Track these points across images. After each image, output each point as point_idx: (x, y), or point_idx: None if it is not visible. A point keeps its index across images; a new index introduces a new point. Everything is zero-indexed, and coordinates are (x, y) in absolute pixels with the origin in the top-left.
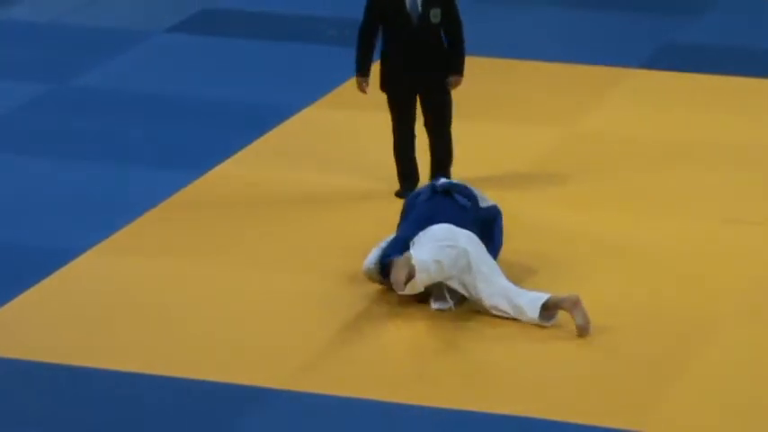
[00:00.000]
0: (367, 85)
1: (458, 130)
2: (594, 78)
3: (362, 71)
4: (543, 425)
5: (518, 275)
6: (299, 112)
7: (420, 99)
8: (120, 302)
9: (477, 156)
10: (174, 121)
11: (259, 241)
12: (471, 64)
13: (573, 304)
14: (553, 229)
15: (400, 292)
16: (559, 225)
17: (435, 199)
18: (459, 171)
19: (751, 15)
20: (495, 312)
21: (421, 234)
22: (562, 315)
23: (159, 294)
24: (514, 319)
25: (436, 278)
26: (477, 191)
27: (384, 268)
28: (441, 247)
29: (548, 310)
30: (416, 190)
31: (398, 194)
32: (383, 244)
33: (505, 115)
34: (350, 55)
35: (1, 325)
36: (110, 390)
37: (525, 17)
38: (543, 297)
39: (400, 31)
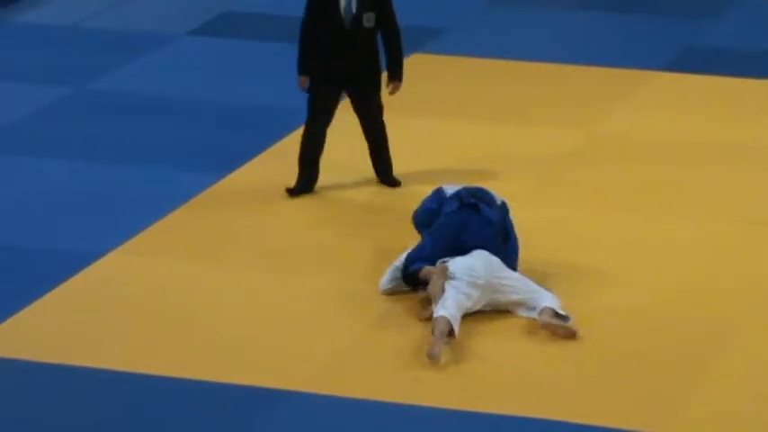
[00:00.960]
0: (308, 82)
1: (478, 131)
2: (617, 81)
3: (302, 71)
4: (560, 427)
5: (538, 276)
6: None
7: (351, 103)
8: (140, 305)
9: (501, 158)
10: (195, 124)
11: (279, 243)
12: (494, 67)
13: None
14: (574, 230)
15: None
16: (580, 227)
17: (462, 213)
18: (485, 173)
19: None
20: (513, 297)
21: (459, 262)
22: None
23: (179, 297)
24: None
25: (470, 309)
26: (490, 191)
27: (412, 276)
28: (474, 285)
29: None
30: (437, 195)
31: (291, 192)
32: (398, 263)
33: (528, 118)
34: None
35: (23, 328)
36: (130, 392)
37: (547, 20)
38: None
39: (332, 32)
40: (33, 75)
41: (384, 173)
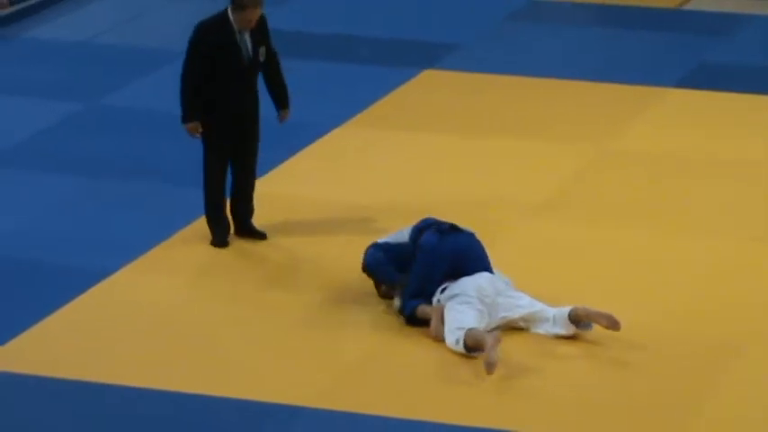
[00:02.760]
0: (200, 127)
1: (491, 147)
2: (629, 97)
3: (194, 117)
4: None
5: (546, 290)
6: (332, 131)
7: (232, 147)
8: (152, 321)
9: (509, 174)
10: None
11: (290, 259)
12: (505, 83)
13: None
14: (585, 246)
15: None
16: (592, 242)
17: (450, 237)
18: (492, 188)
19: None
20: (520, 312)
21: (467, 282)
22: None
23: (188, 314)
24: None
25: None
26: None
27: (412, 318)
28: (484, 303)
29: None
30: (407, 234)
31: (215, 243)
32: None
33: (540, 133)
34: (384, 74)
35: (33, 343)
36: (140, 407)
37: (559, 36)
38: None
39: (230, 73)
40: (44, 90)
41: (249, 223)
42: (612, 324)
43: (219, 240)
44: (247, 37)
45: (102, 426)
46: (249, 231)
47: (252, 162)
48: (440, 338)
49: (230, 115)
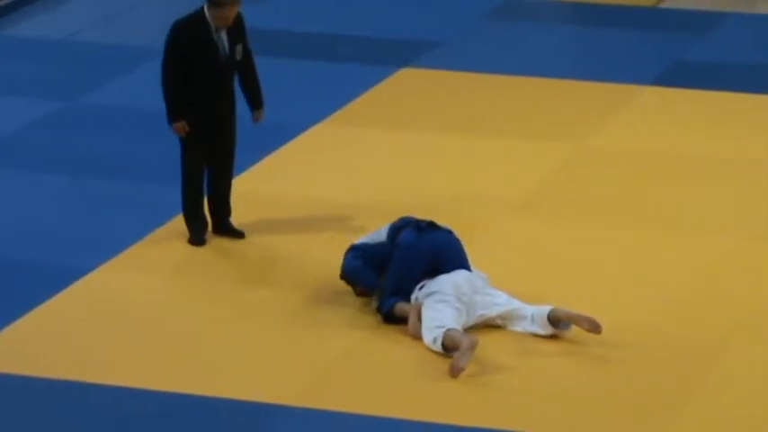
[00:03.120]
0: (187, 126)
1: (470, 145)
2: (606, 95)
3: (180, 117)
4: None
5: (527, 291)
6: (310, 128)
7: (210, 147)
8: (130, 319)
9: (488, 172)
10: None
11: (268, 257)
12: (483, 81)
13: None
14: (564, 244)
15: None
16: (570, 241)
17: (428, 235)
18: (471, 186)
19: (760, 32)
20: (497, 309)
21: (444, 280)
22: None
23: (169, 312)
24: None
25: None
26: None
27: (389, 315)
28: (461, 301)
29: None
30: (384, 233)
31: (193, 241)
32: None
33: (516, 131)
34: (363, 72)
35: (11, 342)
36: (121, 406)
37: (537, 35)
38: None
39: (208, 72)
40: (25, 88)
41: (227, 222)
42: (594, 327)
43: (197, 238)
44: (224, 35)
45: (82, 425)
46: (227, 230)
47: (229, 161)
48: (417, 336)
49: (208, 114)
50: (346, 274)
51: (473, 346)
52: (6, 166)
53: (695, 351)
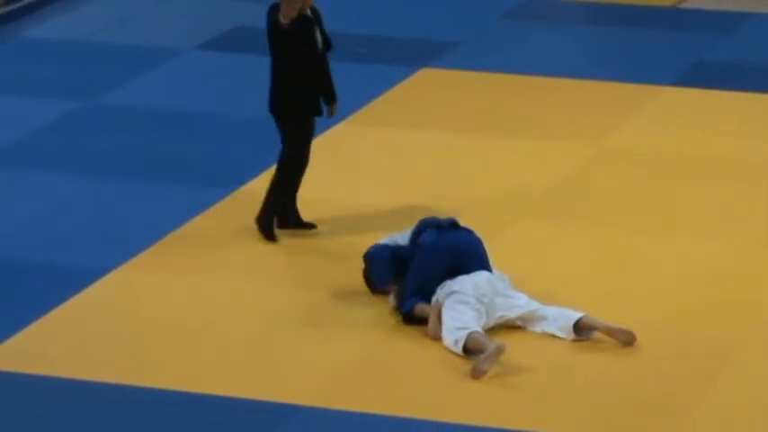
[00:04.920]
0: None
1: (489, 146)
2: (626, 95)
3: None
4: None
5: (545, 292)
6: (330, 129)
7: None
8: (149, 320)
9: (507, 172)
10: (203, 139)
11: (286, 259)
12: (502, 81)
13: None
14: (582, 245)
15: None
16: (588, 242)
17: (450, 234)
18: (489, 187)
19: None
20: (517, 311)
21: (465, 280)
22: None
23: (186, 313)
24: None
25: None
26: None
27: (409, 316)
28: (482, 303)
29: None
30: (407, 238)
31: (268, 234)
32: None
33: (535, 132)
34: (382, 73)
35: (29, 342)
36: (137, 406)
37: (556, 35)
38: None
39: (309, 63)
40: (43, 89)
41: (298, 215)
42: (629, 339)
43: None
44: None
45: (101, 425)
46: (298, 223)
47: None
48: (437, 337)
49: (314, 103)
50: (369, 255)
51: (500, 352)
52: (24, 166)
53: (709, 353)
